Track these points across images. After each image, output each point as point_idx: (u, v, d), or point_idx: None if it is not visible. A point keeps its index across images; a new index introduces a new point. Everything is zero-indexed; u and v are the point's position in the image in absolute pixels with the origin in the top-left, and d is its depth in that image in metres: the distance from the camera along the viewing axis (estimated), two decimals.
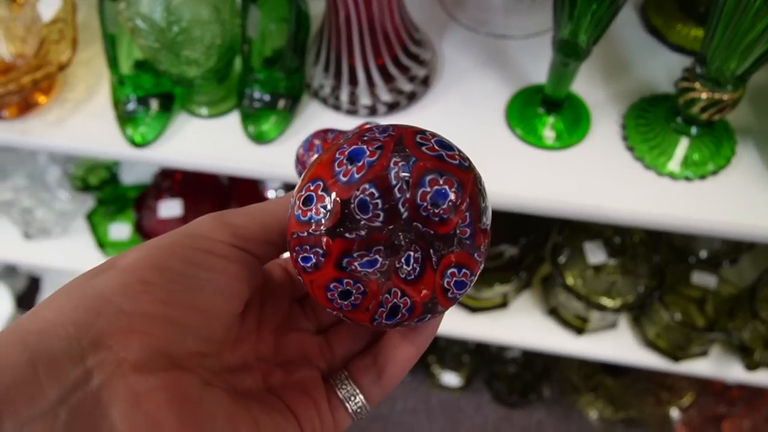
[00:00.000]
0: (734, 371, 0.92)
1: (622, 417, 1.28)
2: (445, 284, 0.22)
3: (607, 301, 0.84)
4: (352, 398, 0.27)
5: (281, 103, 0.63)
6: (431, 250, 0.22)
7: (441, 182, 0.21)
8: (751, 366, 0.86)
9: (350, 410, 0.27)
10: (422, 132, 0.23)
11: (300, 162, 0.34)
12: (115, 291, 0.21)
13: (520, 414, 1.37)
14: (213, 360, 0.24)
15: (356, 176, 0.21)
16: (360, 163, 0.22)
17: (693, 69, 0.54)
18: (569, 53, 0.53)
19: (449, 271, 0.22)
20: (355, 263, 0.22)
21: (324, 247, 0.22)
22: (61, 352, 0.19)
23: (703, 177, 0.59)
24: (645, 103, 0.64)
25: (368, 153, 0.22)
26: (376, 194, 0.21)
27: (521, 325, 0.96)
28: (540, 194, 0.59)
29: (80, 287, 0.21)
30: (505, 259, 0.86)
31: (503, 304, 0.96)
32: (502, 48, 0.70)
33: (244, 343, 0.27)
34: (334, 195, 0.21)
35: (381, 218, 0.21)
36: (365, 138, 0.22)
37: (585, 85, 0.66)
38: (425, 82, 0.66)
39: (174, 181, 0.93)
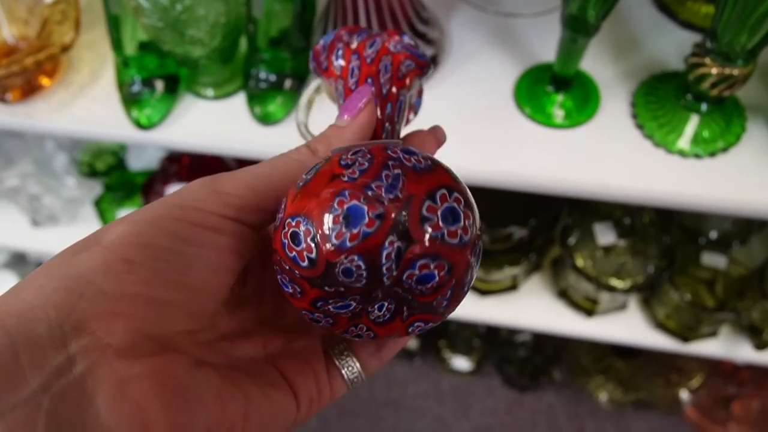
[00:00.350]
0: (744, 351, 0.91)
1: (632, 399, 1.28)
2: (409, 330, 0.24)
3: (616, 283, 0.84)
4: (350, 367, 0.27)
5: (287, 84, 0.62)
6: (404, 307, 0.23)
7: (431, 267, 0.21)
8: (761, 346, 0.85)
9: (347, 379, 0.27)
10: (433, 197, 0.21)
11: (316, 59, 0.32)
12: (97, 271, 0.20)
13: (530, 397, 1.37)
14: (206, 333, 0.24)
15: (348, 244, 0.21)
16: (355, 230, 0.21)
17: (703, 44, 0.53)
18: (578, 29, 0.52)
19: (416, 324, 0.23)
20: (329, 306, 0.22)
21: (301, 288, 0.22)
22: (43, 337, 0.18)
23: (713, 154, 0.59)
24: (655, 81, 0.63)
25: (367, 221, 0.20)
26: (363, 267, 0.21)
27: (531, 308, 0.96)
28: (549, 173, 0.59)
29: (62, 266, 0.20)
30: (515, 241, 0.86)
31: (513, 287, 0.95)
32: (511, 26, 0.69)
33: (246, 308, 0.26)
34: (321, 252, 0.21)
35: (363, 283, 0.21)
36: (370, 191, 0.21)
37: (594, 63, 0.65)
38: (433, 62, 0.65)
39: (181, 165, 0.93)
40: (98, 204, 1.02)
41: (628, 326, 0.94)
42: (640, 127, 0.61)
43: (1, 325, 0.18)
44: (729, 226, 0.90)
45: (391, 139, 0.28)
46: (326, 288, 0.22)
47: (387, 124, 0.28)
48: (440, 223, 0.21)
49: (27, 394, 0.18)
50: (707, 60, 0.53)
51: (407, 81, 0.30)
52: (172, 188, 0.91)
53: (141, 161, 1.04)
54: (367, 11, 0.57)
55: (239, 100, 0.65)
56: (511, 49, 0.67)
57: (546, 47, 0.66)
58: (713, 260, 0.88)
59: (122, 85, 0.63)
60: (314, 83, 0.33)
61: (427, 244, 0.21)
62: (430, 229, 0.21)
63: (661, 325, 0.92)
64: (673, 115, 0.60)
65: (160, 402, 0.20)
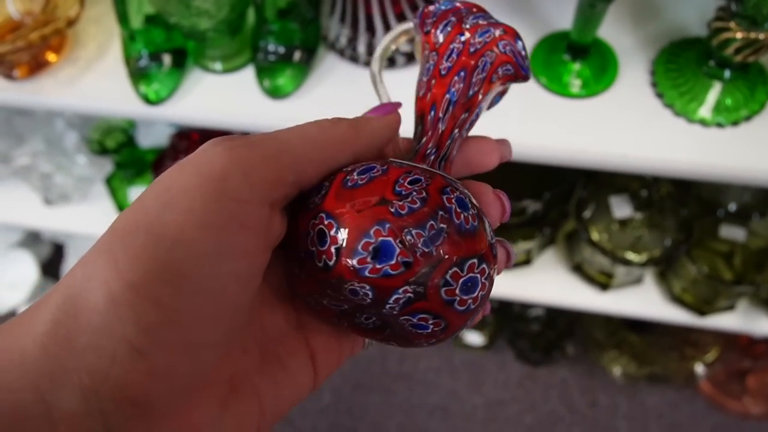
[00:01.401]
0: (762, 325, 0.90)
1: (646, 373, 1.28)
2: (385, 342, 0.24)
3: (632, 256, 0.83)
4: None
5: (297, 56, 0.61)
6: (389, 329, 0.23)
7: (429, 321, 0.22)
8: None
9: (365, 342, 0.27)
10: (462, 265, 0.21)
11: (422, 19, 0.28)
12: (127, 323, 0.17)
13: (543, 372, 1.37)
14: (240, 331, 0.22)
15: (366, 274, 0.21)
16: (379, 266, 0.20)
17: (728, 7, 0.52)
18: None
19: (392, 342, 0.24)
20: (323, 299, 0.23)
21: (304, 275, 0.22)
22: (80, 407, 0.17)
23: (736, 123, 0.57)
24: (675, 47, 0.61)
25: (393, 263, 0.20)
26: (370, 295, 0.21)
27: (545, 282, 0.95)
28: (566, 145, 0.57)
29: (82, 302, 0.18)
30: (528, 215, 0.85)
31: (527, 261, 0.94)
32: None
33: (276, 274, 0.25)
34: (339, 266, 0.21)
35: (363, 304, 0.22)
36: (409, 236, 0.20)
37: (612, 29, 0.63)
38: None
39: (191, 142, 0.92)
40: (109, 182, 1.02)
41: (643, 300, 0.92)
42: (659, 96, 0.59)
43: (35, 388, 0.17)
44: (748, 197, 0.88)
45: (456, 143, 0.27)
46: (327, 290, 0.22)
47: (456, 131, 0.27)
48: (457, 291, 0.21)
49: None
50: (732, 24, 0.51)
51: (496, 85, 0.28)
52: None
53: (151, 138, 1.03)
54: None
55: (248, 73, 0.64)
56: (526, 16, 0.65)
57: (562, 14, 0.64)
58: (732, 233, 0.86)
59: (129, 60, 0.62)
60: (398, 28, 0.30)
61: (435, 303, 0.21)
62: (444, 294, 0.21)
63: (677, 299, 0.91)
64: (694, 83, 0.58)
65: None
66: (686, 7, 0.64)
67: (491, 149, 0.28)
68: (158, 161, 0.96)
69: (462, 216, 0.22)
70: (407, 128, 0.27)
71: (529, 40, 0.63)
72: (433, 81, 0.27)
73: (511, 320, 1.37)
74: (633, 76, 0.60)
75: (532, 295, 0.94)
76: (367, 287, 0.21)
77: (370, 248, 0.20)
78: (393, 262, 0.20)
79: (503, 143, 0.28)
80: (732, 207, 0.89)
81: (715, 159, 0.55)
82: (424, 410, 1.34)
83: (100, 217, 1.05)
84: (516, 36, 0.27)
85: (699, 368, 1.25)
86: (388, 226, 0.21)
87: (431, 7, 0.29)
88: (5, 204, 1.07)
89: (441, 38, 0.27)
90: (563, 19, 0.64)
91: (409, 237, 0.20)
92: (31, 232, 1.42)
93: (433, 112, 0.27)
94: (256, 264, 0.20)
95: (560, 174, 0.84)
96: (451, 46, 0.27)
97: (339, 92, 0.62)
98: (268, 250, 0.21)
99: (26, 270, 1.38)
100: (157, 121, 0.86)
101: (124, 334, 0.17)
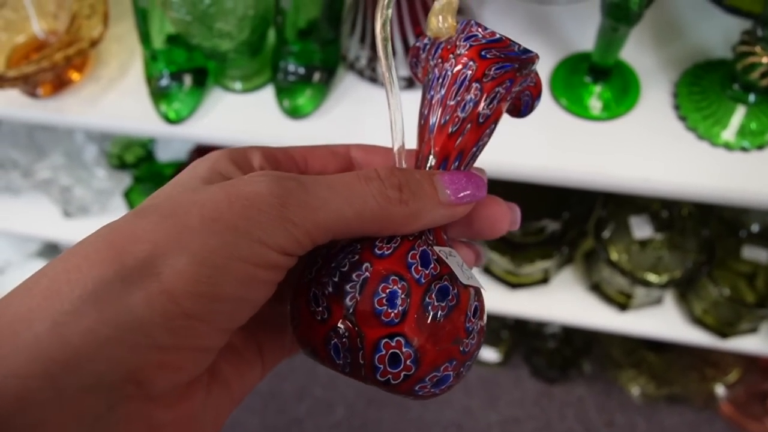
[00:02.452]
0: None
1: (665, 393, 1.26)
2: None
3: (652, 277, 0.82)
4: None
5: (316, 76, 0.61)
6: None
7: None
8: None
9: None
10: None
11: (414, 56, 0.27)
12: (156, 322, 0.18)
13: (560, 390, 1.35)
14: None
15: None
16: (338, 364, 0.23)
17: (753, 31, 0.51)
18: (619, 17, 0.50)
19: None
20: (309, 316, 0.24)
21: (300, 293, 0.24)
22: (87, 389, 0.18)
23: (761, 147, 0.56)
24: (699, 70, 0.60)
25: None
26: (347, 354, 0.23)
27: (562, 301, 0.94)
28: (586, 167, 0.57)
29: (114, 303, 0.18)
30: (547, 235, 0.84)
31: (544, 280, 0.94)
32: (546, 14, 0.67)
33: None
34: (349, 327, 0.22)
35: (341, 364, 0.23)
36: (389, 305, 0.22)
37: (634, 51, 0.62)
38: None
39: None
40: (128, 195, 1.03)
41: (663, 321, 0.91)
42: (682, 119, 0.58)
43: (46, 374, 0.17)
44: None
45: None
46: (316, 316, 0.23)
47: (456, 162, 0.26)
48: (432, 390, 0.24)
49: None
50: (758, 48, 0.50)
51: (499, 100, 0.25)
52: None
53: (170, 153, 1.04)
54: (397, 0, 0.56)
55: (268, 93, 0.64)
56: (546, 38, 0.65)
57: (583, 35, 0.64)
58: (754, 254, 0.85)
59: (150, 79, 0.63)
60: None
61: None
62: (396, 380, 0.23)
63: (698, 321, 0.89)
64: (718, 107, 0.57)
65: None
66: (710, 28, 0.64)
67: (500, 217, 0.27)
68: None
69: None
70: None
71: (549, 62, 0.63)
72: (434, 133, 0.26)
73: (527, 337, 1.36)
74: (655, 99, 0.60)
75: (549, 314, 0.93)
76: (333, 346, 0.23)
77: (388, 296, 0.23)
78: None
79: (514, 210, 0.28)
80: (755, 228, 0.87)
81: (739, 183, 0.55)
82: (438, 427, 1.33)
83: None
84: (477, 56, 0.25)
85: (719, 389, 1.23)
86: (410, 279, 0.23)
87: (461, 25, 0.26)
88: (26, 216, 1.08)
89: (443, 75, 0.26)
90: (584, 39, 0.63)
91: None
92: (48, 243, 1.44)
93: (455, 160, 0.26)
94: (268, 295, 0.22)
95: (579, 194, 0.83)
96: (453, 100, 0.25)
97: (358, 112, 0.62)
98: (276, 285, 0.22)
99: None
100: (177, 140, 0.86)
101: (150, 332, 0.18)
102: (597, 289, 0.92)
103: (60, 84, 0.65)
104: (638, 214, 0.84)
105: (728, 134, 0.56)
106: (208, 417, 0.22)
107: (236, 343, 0.25)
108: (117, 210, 1.07)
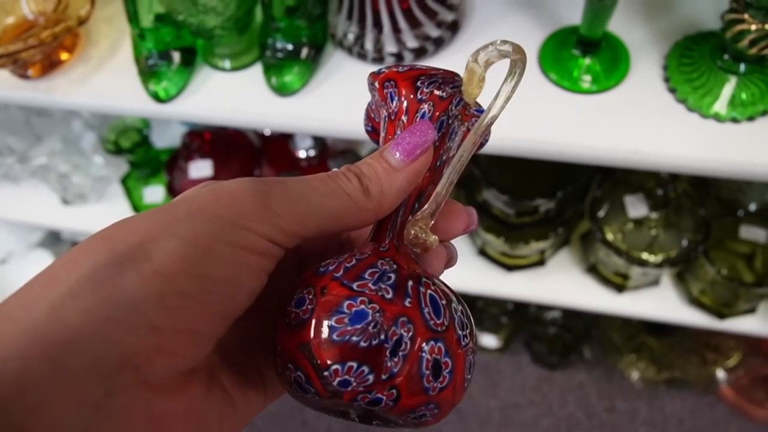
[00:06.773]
0: None
1: (665, 378, 1.25)
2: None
3: (648, 257, 0.81)
4: None
5: (304, 53, 0.61)
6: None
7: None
8: None
9: None
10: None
11: (369, 115, 0.29)
12: (151, 302, 0.19)
13: (560, 375, 1.35)
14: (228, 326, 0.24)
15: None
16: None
17: None
18: None
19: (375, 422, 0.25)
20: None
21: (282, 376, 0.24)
22: (86, 371, 0.18)
23: (751, 118, 0.56)
24: (689, 41, 0.60)
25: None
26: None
27: (559, 283, 0.93)
28: (576, 141, 0.56)
29: (109, 285, 0.19)
30: (541, 215, 0.84)
31: (540, 262, 0.93)
32: None
33: (283, 277, 0.26)
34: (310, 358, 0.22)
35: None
36: (371, 327, 0.22)
37: (623, 24, 0.62)
38: (454, 27, 0.63)
39: (204, 141, 0.92)
40: (125, 182, 1.03)
41: (660, 302, 0.91)
42: (672, 90, 0.58)
43: (45, 355, 0.18)
44: None
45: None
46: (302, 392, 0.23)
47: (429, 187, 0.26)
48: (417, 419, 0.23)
49: (65, 430, 0.18)
50: (746, 15, 0.50)
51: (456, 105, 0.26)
52: (195, 164, 0.91)
53: (165, 138, 1.04)
54: None
55: (256, 71, 0.64)
56: (535, 12, 0.64)
57: (571, 9, 0.63)
58: (753, 233, 0.84)
59: (139, 58, 0.63)
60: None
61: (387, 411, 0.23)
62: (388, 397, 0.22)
63: (695, 301, 0.89)
64: (708, 78, 0.56)
65: None
66: (700, 0, 0.63)
67: (457, 218, 0.27)
68: (171, 161, 0.96)
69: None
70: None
71: (537, 36, 0.62)
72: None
73: (527, 323, 1.35)
74: (645, 71, 0.59)
75: (546, 296, 0.93)
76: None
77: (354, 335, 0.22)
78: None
79: (471, 213, 0.28)
80: (752, 207, 0.87)
81: (729, 155, 0.54)
82: None
83: (116, 216, 1.03)
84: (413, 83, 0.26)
85: (720, 373, 1.23)
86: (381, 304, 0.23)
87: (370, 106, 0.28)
88: (24, 204, 1.09)
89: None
90: (572, 13, 0.63)
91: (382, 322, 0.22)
92: (51, 233, 1.44)
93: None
94: (261, 284, 0.22)
95: (574, 172, 0.82)
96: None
97: (346, 89, 0.62)
98: (267, 274, 0.23)
99: None
100: (166, 119, 0.86)
101: (145, 311, 0.19)
102: (594, 270, 0.92)
103: (50, 65, 0.65)
104: (633, 193, 0.83)
105: (719, 105, 0.56)
106: (212, 420, 0.22)
107: (235, 359, 0.25)
108: (115, 197, 1.07)
